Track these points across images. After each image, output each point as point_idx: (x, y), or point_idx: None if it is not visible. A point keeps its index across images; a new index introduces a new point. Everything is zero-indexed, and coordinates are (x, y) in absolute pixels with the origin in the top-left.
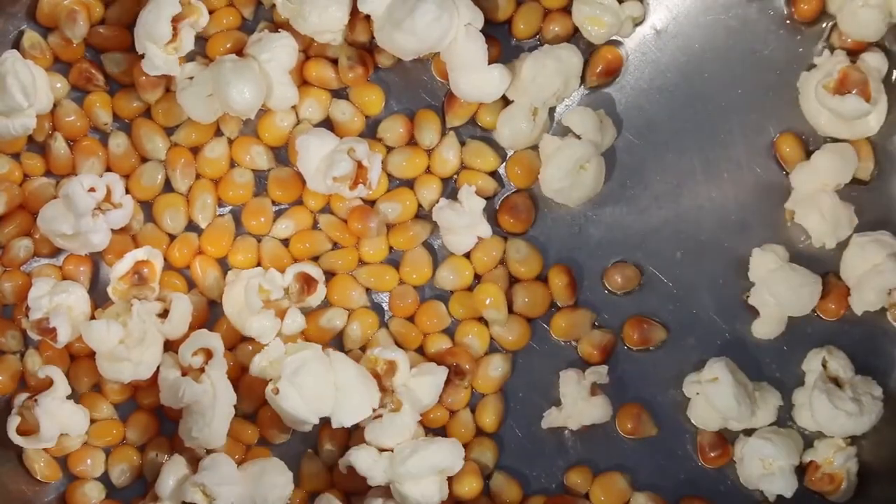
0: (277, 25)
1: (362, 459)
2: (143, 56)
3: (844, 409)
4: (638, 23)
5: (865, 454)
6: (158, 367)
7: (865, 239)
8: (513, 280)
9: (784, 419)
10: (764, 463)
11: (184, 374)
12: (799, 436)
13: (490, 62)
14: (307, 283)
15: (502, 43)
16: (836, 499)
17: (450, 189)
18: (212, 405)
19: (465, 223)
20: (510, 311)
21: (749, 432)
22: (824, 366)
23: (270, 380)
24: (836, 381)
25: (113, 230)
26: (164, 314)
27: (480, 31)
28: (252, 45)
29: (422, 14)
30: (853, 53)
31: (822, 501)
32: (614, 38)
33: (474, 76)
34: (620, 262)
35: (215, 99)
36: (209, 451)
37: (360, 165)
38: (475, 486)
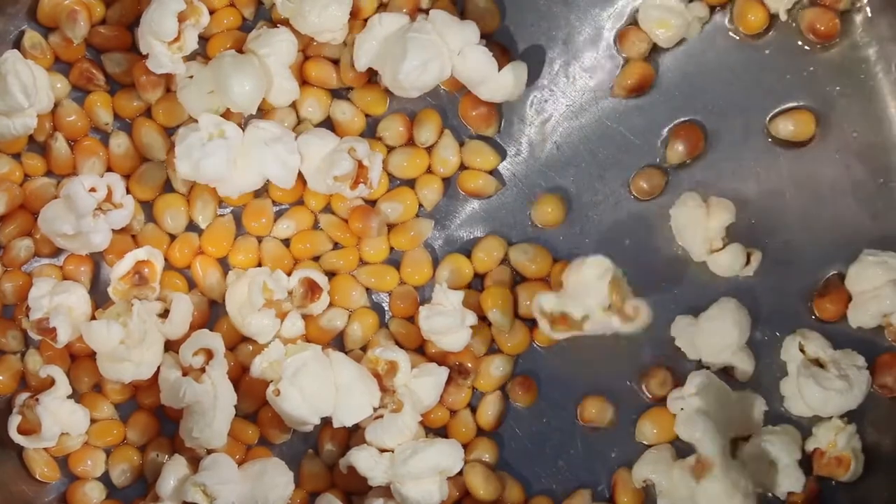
0: (276, 25)
1: (363, 460)
2: (144, 56)
3: (834, 388)
4: (705, 23)
5: (869, 433)
6: (159, 367)
7: (873, 259)
8: (515, 280)
9: (775, 419)
10: (769, 463)
11: (184, 375)
12: (795, 429)
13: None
14: (311, 289)
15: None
16: (847, 479)
17: (450, 189)
18: (213, 405)
19: (455, 321)
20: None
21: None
22: (802, 350)
23: (271, 381)
24: (818, 363)
25: (113, 230)
26: (164, 314)
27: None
28: (251, 40)
29: (406, 73)
30: None
31: (832, 486)
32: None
33: (490, 84)
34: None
35: (216, 96)
36: (209, 451)
37: (360, 165)
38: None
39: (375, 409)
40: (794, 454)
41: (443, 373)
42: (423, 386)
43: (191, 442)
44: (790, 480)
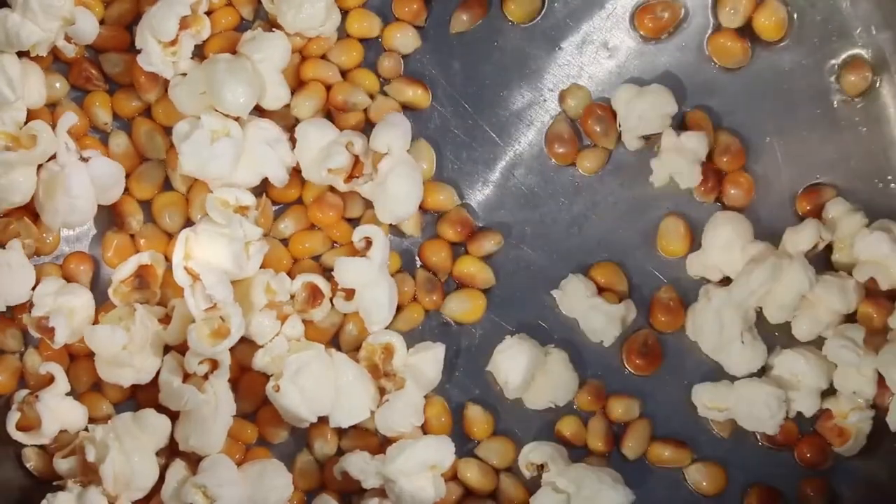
0: (272, 25)
1: (354, 464)
2: (139, 51)
3: None
4: None
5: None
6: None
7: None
8: None
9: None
10: (793, 379)
11: (185, 378)
12: (830, 364)
13: None
14: (314, 294)
15: None
16: (840, 451)
17: None
18: (213, 415)
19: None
20: None
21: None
22: None
23: (271, 375)
24: None
25: (111, 231)
26: (165, 319)
27: None
28: (245, 43)
29: None
30: None
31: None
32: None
33: None
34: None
35: (208, 97)
36: None
37: (356, 160)
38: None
39: (373, 412)
40: (821, 382)
41: (440, 348)
42: (422, 361)
43: (186, 447)
44: (806, 403)
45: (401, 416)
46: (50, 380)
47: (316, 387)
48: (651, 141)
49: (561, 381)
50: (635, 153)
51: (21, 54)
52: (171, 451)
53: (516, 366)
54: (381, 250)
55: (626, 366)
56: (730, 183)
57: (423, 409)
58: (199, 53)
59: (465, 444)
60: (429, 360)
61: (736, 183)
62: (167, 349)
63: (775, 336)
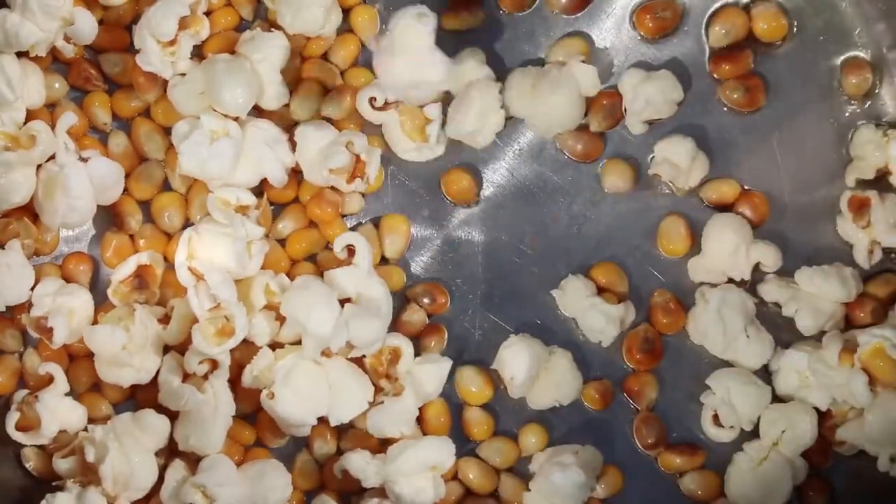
0: (272, 25)
1: (355, 462)
2: (138, 51)
3: None
4: None
5: None
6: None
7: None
8: None
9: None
10: (800, 376)
11: (185, 378)
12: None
13: None
14: None
15: None
16: (839, 450)
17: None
18: (213, 415)
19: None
20: None
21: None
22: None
23: (265, 388)
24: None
25: (110, 231)
26: (164, 319)
27: None
28: (244, 43)
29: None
30: None
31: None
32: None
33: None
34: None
35: (207, 97)
36: None
37: (357, 159)
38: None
39: (371, 404)
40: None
41: (446, 363)
42: (425, 372)
43: (186, 447)
44: (818, 396)
45: (392, 422)
46: (49, 380)
47: (309, 385)
48: (654, 126)
49: (565, 381)
50: (635, 154)
51: (20, 54)
52: (170, 451)
53: (521, 362)
54: (365, 255)
55: (627, 362)
56: (745, 204)
57: (419, 416)
58: (199, 53)
59: (465, 445)
60: (431, 373)
61: (752, 205)
62: (167, 349)
63: (779, 330)
